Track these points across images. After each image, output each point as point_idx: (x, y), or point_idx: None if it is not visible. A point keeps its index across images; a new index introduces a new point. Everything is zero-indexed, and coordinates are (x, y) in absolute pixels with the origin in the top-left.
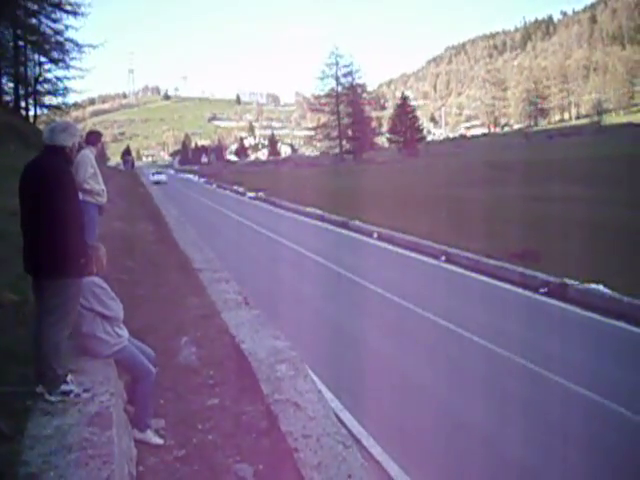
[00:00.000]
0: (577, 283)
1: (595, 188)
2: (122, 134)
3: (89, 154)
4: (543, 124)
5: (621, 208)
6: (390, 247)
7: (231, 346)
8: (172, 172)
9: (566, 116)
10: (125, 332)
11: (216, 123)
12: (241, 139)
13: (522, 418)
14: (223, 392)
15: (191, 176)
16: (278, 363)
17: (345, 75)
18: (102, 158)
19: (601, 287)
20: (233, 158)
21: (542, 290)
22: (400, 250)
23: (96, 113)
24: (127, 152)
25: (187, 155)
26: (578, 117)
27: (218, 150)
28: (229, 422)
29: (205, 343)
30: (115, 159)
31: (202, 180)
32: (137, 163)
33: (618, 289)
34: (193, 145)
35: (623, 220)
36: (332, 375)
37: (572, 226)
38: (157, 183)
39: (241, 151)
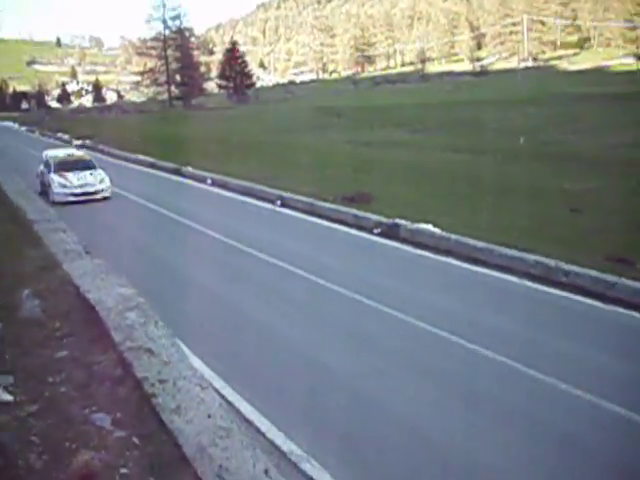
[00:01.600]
0: (408, 223)
1: (420, 133)
2: None
3: None
4: (370, 71)
5: (445, 153)
6: (225, 193)
7: (76, 296)
8: None
9: (392, 63)
10: None
11: (36, 67)
12: (63, 85)
13: (354, 346)
14: (72, 343)
15: (11, 123)
16: (127, 310)
17: (173, 18)
18: None
19: (430, 227)
20: (56, 105)
21: (375, 231)
22: (235, 195)
23: None
24: None
25: (4, 101)
26: (403, 65)
27: (39, 96)
28: (81, 373)
29: (48, 295)
30: None
31: (23, 128)
32: None
33: (446, 228)
34: (11, 90)
35: (447, 164)
36: (173, 320)
37: (401, 170)
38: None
39: (64, 97)
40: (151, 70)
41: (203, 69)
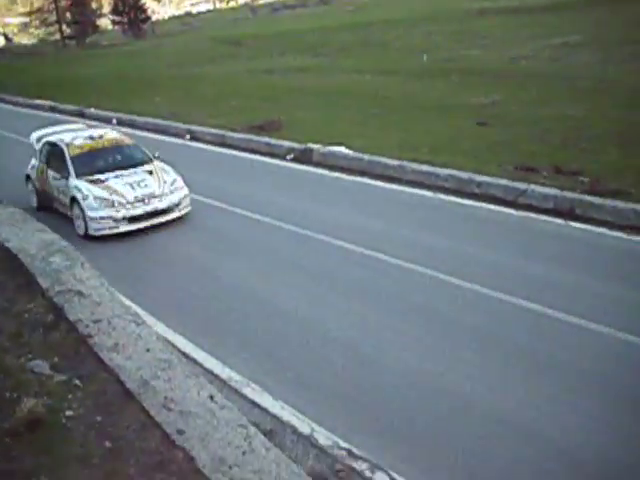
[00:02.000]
0: (320, 147)
1: (323, 57)
2: None
3: None
4: None
5: (350, 75)
6: (133, 131)
7: None
8: None
9: None
10: None
11: None
12: None
13: (263, 262)
14: None
15: None
16: (51, 255)
17: None
18: None
19: (342, 149)
20: None
21: (288, 157)
22: (144, 133)
23: None
24: None
25: None
26: None
27: None
28: (12, 323)
29: None
30: None
31: None
32: None
33: (358, 149)
34: None
35: (354, 86)
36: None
37: (307, 95)
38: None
39: None
40: (39, 10)
41: (95, 5)
